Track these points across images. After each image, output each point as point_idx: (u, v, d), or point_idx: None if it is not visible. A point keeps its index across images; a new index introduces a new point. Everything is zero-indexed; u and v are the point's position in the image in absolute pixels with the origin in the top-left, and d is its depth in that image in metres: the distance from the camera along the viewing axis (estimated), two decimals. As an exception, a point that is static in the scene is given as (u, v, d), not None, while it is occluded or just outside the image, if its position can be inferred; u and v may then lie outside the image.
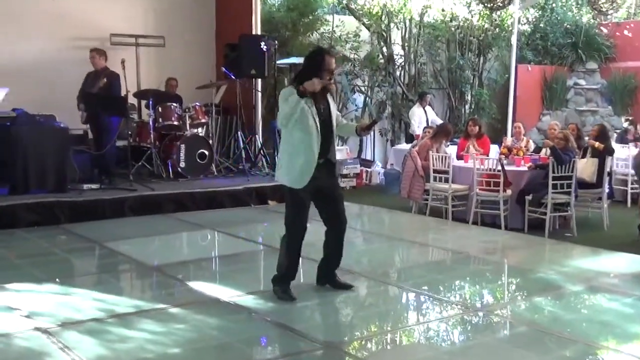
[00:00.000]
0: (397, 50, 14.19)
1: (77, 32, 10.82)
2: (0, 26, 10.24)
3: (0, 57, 10.11)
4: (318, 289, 5.61)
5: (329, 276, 5.62)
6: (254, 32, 11.46)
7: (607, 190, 8.87)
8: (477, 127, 10.14)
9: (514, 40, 13.43)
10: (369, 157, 13.75)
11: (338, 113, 5.53)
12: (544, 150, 9.33)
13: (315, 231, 5.58)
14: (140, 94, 10.57)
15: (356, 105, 13.60)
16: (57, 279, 5.90)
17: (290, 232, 5.30)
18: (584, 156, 8.94)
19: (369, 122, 5.54)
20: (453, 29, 14.72)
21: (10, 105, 8.84)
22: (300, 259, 5.44)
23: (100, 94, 9.28)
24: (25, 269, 6.33)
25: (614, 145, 10.07)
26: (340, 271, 5.67)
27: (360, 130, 5.47)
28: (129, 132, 9.72)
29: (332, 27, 13.37)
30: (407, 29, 14.20)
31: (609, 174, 9.05)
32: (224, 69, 10.98)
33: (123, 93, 9.21)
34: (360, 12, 13.87)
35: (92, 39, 10.57)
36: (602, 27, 16.39)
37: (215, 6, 12.43)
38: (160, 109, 10.08)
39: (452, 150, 10.05)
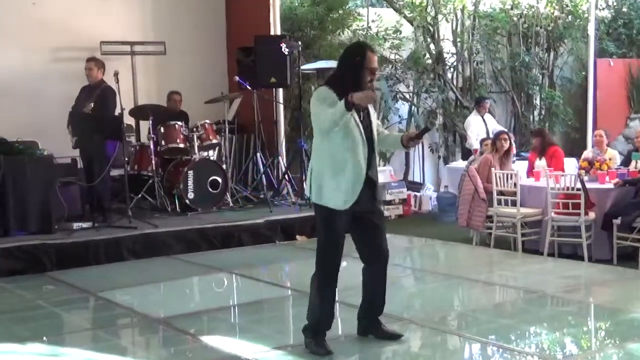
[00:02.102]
0: (448, 47, 14.20)
1: (62, 40, 10.99)
2: (-30, 37, 10.46)
3: (-30, 73, 10.32)
4: (359, 339, 5.59)
5: (372, 325, 5.60)
6: (272, 33, 11.55)
7: None
8: (538, 139, 10.05)
9: (591, 29, 13.38)
10: (417, 179, 13.73)
11: (379, 122, 5.56)
12: (633, 162, 9.25)
13: (352, 272, 5.58)
14: (137, 112, 10.67)
15: (399, 116, 13.61)
16: (44, 338, 5.96)
17: (322, 268, 5.31)
18: (683, 169, 8.85)
19: (417, 132, 5.55)
20: (515, 18, 14.71)
21: (-17, 131, 9.01)
22: (337, 303, 5.43)
23: (89, 114, 9.39)
24: (6, 325, 6.40)
25: None
26: (386, 318, 5.66)
27: (408, 141, 5.46)
28: (126, 159, 9.82)
29: (367, 23, 13.45)
30: (459, 21, 14.22)
31: None
32: (237, 78, 11.06)
33: (118, 111, 9.30)
34: (401, 3, 13.92)
35: (79, 48, 10.73)
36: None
37: (225, 3, 12.56)
38: (162, 130, 10.20)
39: (521, 166, 10.00)
